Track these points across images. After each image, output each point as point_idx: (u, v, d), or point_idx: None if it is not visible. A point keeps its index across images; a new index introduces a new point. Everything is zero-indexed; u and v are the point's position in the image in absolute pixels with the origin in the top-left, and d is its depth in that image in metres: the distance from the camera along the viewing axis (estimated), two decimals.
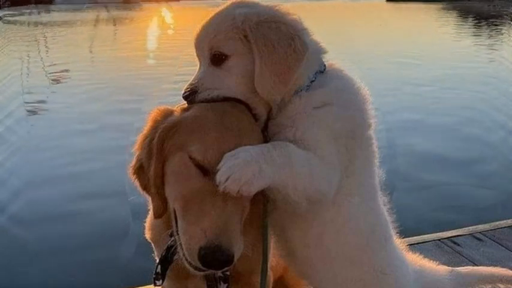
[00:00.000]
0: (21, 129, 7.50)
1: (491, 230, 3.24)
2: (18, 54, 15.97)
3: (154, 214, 1.38)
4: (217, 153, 1.23)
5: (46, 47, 19.15)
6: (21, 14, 42.89)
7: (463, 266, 1.93)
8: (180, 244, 1.25)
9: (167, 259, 1.41)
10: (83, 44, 18.88)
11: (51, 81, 11.45)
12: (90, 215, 4.63)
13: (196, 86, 1.39)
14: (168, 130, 1.32)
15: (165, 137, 1.32)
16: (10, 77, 11.67)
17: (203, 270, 1.24)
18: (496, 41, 19.29)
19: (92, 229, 4.36)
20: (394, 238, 1.63)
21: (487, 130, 7.19)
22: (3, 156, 6.21)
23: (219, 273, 1.41)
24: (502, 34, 22.08)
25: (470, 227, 3.30)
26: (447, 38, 19.96)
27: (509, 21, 28.61)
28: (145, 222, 1.60)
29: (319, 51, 1.45)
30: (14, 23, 34.52)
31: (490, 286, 1.87)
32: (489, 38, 20.36)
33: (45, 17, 41.06)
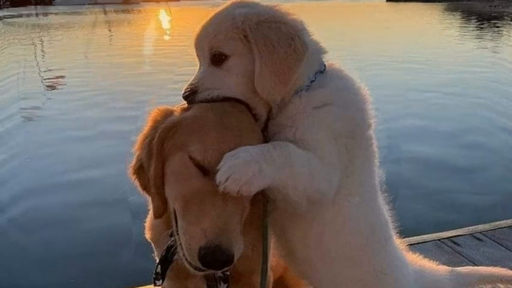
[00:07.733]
0: (18, 135, 7.44)
1: (491, 230, 3.25)
2: (15, 58, 15.83)
3: (154, 214, 1.38)
4: (217, 153, 1.23)
5: (43, 51, 19.00)
6: (21, 16, 42.95)
7: (463, 266, 1.93)
8: (180, 244, 1.25)
9: (167, 259, 1.41)
10: (80, 49, 18.72)
11: (47, 87, 11.38)
12: (89, 219, 4.62)
13: (196, 86, 1.39)
14: (168, 130, 1.32)
15: (165, 137, 1.32)
16: (6, 82, 11.59)
17: (203, 270, 1.23)
18: (498, 43, 19.27)
19: (91, 231, 4.35)
20: (394, 238, 1.63)
21: (490, 135, 7.19)
22: (0, 163, 6.17)
23: (219, 273, 1.41)
24: (503, 36, 22.08)
25: (470, 227, 3.30)
26: (450, 41, 19.88)
27: (510, 22, 28.66)
28: (145, 222, 1.60)
29: (319, 51, 1.45)
30: (13, 24, 34.56)
31: (490, 286, 1.87)
32: (491, 40, 20.33)
33: (43, 19, 41.06)
